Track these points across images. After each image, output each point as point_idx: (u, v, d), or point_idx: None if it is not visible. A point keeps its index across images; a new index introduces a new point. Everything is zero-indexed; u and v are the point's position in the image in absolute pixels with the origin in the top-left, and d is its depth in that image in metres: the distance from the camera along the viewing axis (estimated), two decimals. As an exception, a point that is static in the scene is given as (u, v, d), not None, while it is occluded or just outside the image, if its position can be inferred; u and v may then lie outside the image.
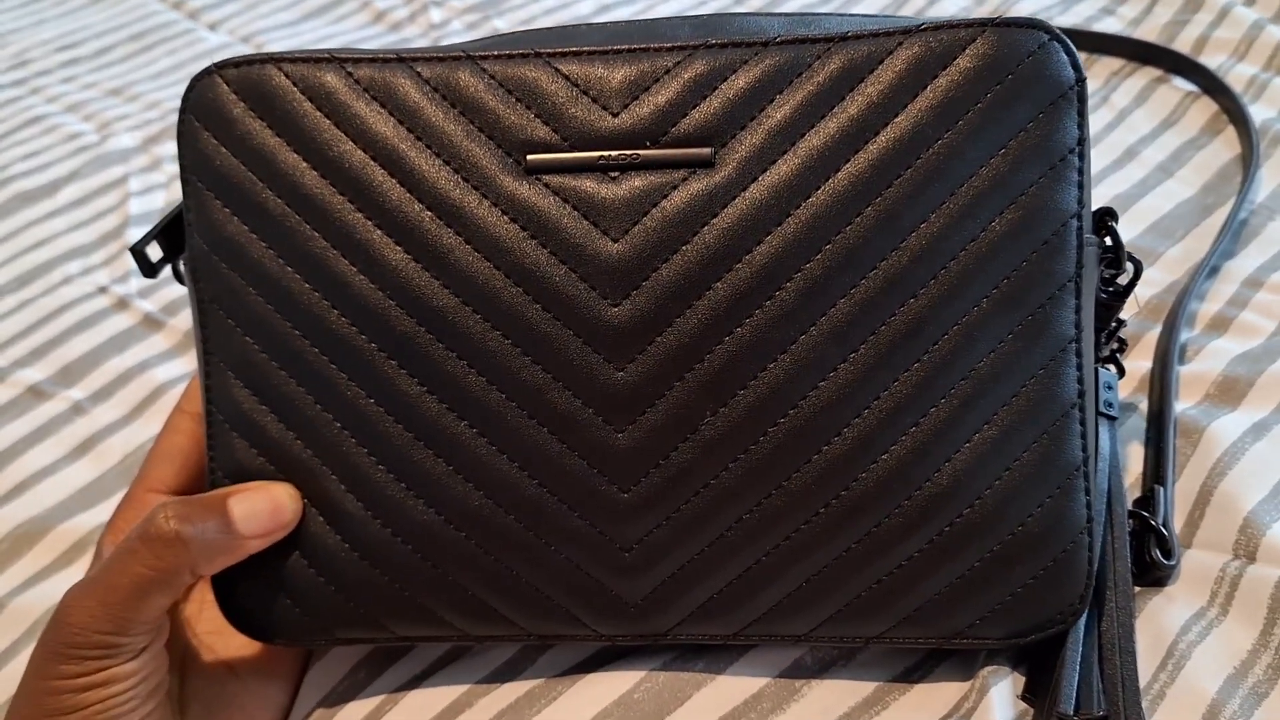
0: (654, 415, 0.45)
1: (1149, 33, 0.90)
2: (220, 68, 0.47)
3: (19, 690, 0.45)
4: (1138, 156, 0.77)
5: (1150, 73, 0.86)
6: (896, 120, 0.44)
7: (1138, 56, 0.87)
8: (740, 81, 0.45)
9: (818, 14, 0.47)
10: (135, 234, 0.85)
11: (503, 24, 1.07)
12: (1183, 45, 0.87)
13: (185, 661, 0.51)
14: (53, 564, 0.64)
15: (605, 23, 0.49)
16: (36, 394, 0.74)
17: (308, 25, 1.11)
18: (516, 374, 0.46)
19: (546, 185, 0.45)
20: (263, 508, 0.46)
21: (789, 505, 0.46)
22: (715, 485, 0.46)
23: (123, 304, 0.79)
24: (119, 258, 0.83)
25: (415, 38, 1.07)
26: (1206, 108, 0.81)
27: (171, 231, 0.50)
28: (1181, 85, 0.84)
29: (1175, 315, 0.63)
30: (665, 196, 0.45)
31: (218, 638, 0.52)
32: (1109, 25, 0.92)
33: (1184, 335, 0.63)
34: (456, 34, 1.06)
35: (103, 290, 0.81)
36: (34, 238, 0.86)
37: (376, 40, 1.07)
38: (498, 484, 0.47)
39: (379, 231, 0.46)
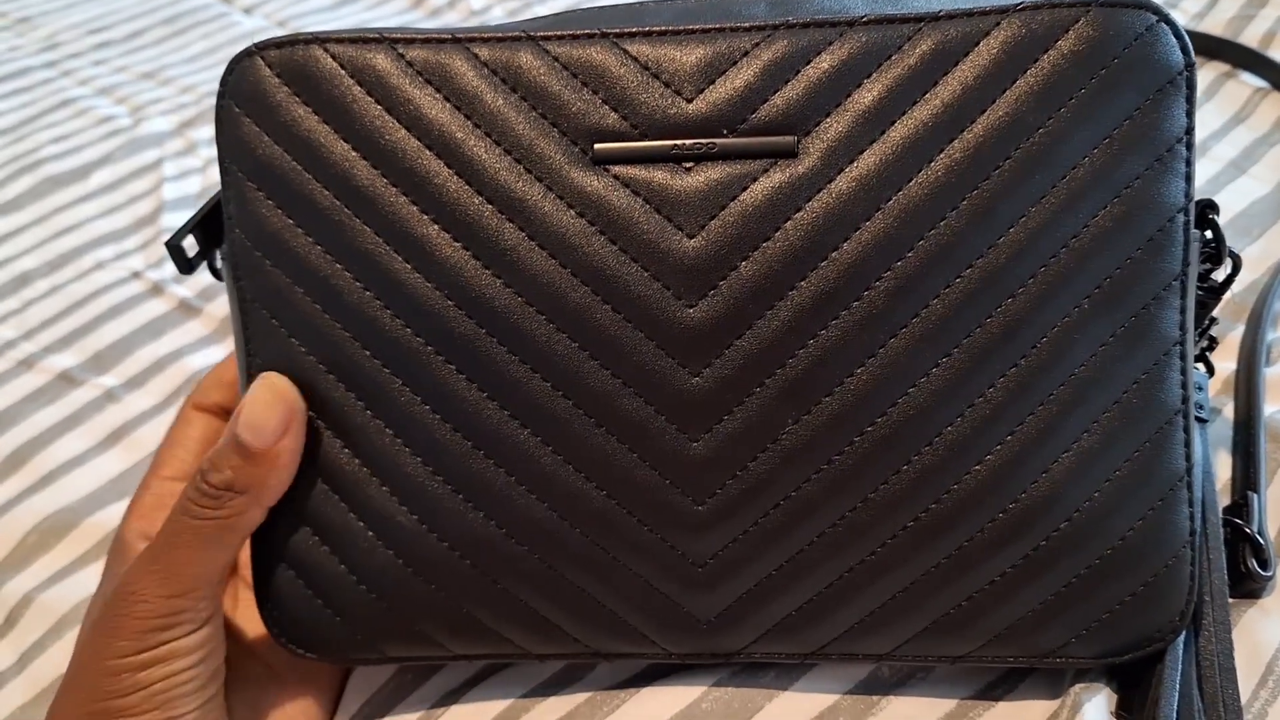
0: (731, 423, 0.39)
1: (1214, 27, 0.83)
2: (262, 48, 0.41)
3: (66, 682, 0.41)
4: (1209, 153, 0.71)
5: (1218, 67, 0.79)
6: (994, 107, 0.38)
7: (1204, 51, 0.80)
8: (824, 64, 0.38)
9: (904, -12, 0.41)
10: (170, 219, 0.78)
11: (544, 11, 0.99)
12: (1250, 40, 0.80)
13: (229, 664, 0.45)
14: (81, 558, 0.58)
15: (672, 1, 0.42)
16: (67, 380, 0.67)
17: (346, 10, 1.04)
18: (584, 379, 0.39)
19: (616, 177, 0.39)
20: (262, 415, 0.40)
21: (874, 520, 0.40)
22: (796, 498, 0.40)
23: (157, 290, 0.73)
24: (153, 243, 0.77)
25: (455, 23, 0.99)
26: (1277, 103, 0.74)
27: (208, 224, 0.44)
28: (1250, 81, 0.77)
29: (1259, 315, 0.57)
30: (744, 189, 0.38)
31: (259, 641, 0.47)
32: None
33: (1269, 335, 0.57)
34: (497, 20, 0.98)
35: (136, 275, 0.74)
36: (65, 222, 0.80)
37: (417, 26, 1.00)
38: (563, 496, 0.41)
39: (435, 226, 0.39)
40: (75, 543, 0.58)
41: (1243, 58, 0.78)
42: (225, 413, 0.48)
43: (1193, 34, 0.80)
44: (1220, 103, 0.75)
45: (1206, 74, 0.78)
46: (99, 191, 0.82)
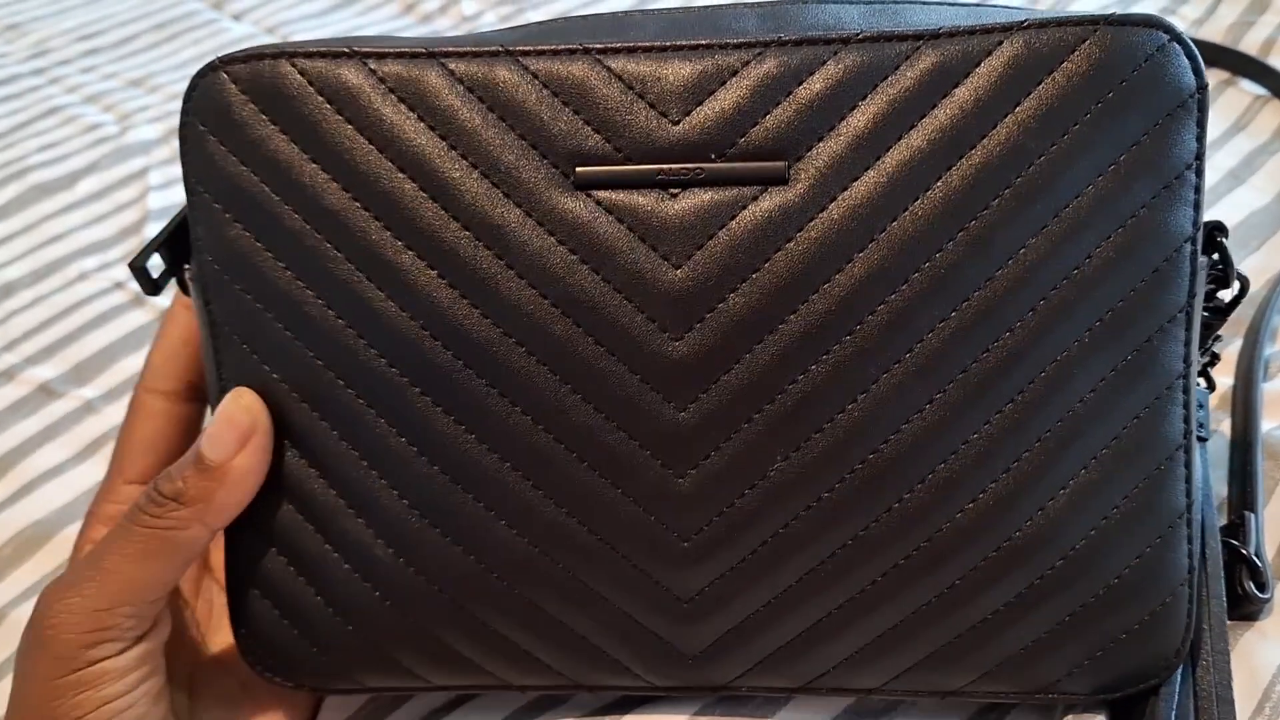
0: (718, 460, 0.37)
1: (1213, 34, 0.81)
2: (227, 62, 0.38)
3: (12, 704, 0.39)
4: (1208, 162, 0.69)
5: (1217, 75, 0.77)
6: (994, 132, 0.36)
7: (1203, 58, 0.78)
8: (817, 85, 0.36)
9: (903, 2, 0.39)
10: (154, 229, 0.77)
11: (538, 17, 0.97)
12: (1249, 47, 0.79)
13: (195, 680, 0.44)
14: (57, 570, 0.56)
15: (660, 10, 0.40)
16: (47, 392, 0.66)
17: (336, 16, 1.02)
18: (566, 414, 0.38)
19: (598, 202, 0.37)
20: (222, 429, 0.39)
21: (865, 557, 0.38)
22: (784, 535, 0.38)
23: (139, 300, 0.71)
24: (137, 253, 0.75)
25: (446, 30, 0.98)
26: (1277, 111, 0.73)
27: (175, 241, 0.41)
28: (1249, 88, 0.75)
29: (1257, 329, 0.55)
30: (733, 217, 0.36)
31: (231, 656, 0.45)
32: None
33: (1267, 350, 0.55)
34: (489, 27, 0.97)
35: (119, 286, 0.73)
36: (51, 231, 0.78)
37: (405, 34, 0.98)
38: (544, 531, 0.39)
39: (410, 253, 0.38)
40: (51, 555, 0.57)
41: (1242, 65, 0.77)
42: (178, 397, 0.45)
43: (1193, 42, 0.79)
44: (1220, 111, 0.74)
45: (1205, 82, 0.77)
46: (85, 200, 0.81)
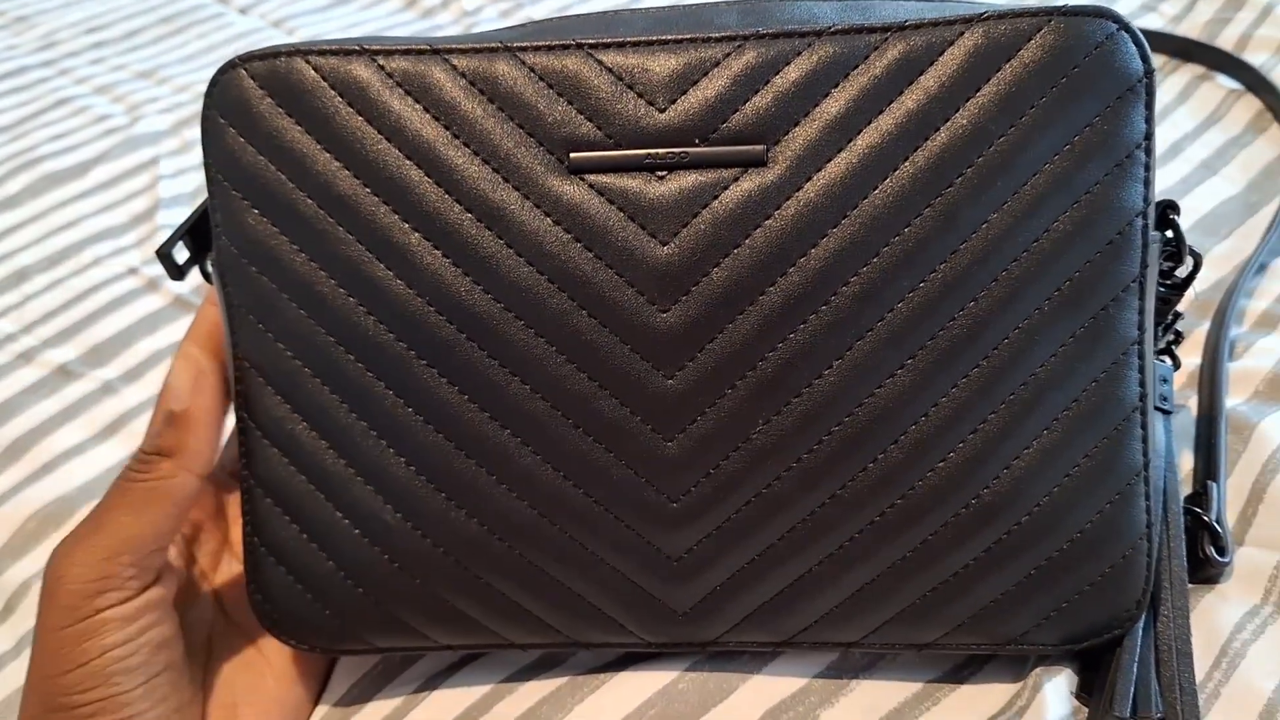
0: (704, 424, 0.40)
1: (1191, 30, 0.83)
2: (245, 60, 0.41)
3: (28, 670, 0.41)
4: (1181, 154, 0.71)
5: (1193, 70, 0.79)
6: (957, 116, 0.39)
7: (1180, 53, 0.81)
8: (793, 74, 0.39)
9: (872, -1, 0.41)
10: (165, 216, 0.79)
11: (538, 12, 0.99)
12: (1225, 43, 0.81)
13: (213, 643, 0.47)
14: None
15: (648, 8, 0.42)
16: (65, 374, 0.68)
17: (339, 11, 1.04)
18: (562, 382, 0.40)
19: (591, 185, 0.39)
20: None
21: (842, 515, 0.41)
22: (767, 495, 0.41)
23: (153, 285, 0.73)
24: (150, 240, 0.77)
25: (448, 25, 0.99)
26: (1250, 105, 0.75)
27: (198, 230, 0.44)
28: (1225, 83, 0.77)
29: (1224, 312, 0.58)
30: (715, 197, 0.39)
31: (248, 621, 0.47)
32: (1150, 21, 0.85)
33: (1233, 332, 0.58)
34: (489, 21, 0.99)
35: (133, 271, 0.74)
36: (63, 219, 0.80)
37: (408, 28, 1.00)
38: (543, 494, 0.41)
39: (417, 235, 0.40)
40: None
41: (1218, 60, 0.79)
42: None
43: (1169, 37, 0.81)
44: (1194, 105, 0.76)
45: (1182, 76, 0.79)
46: (96, 189, 0.82)
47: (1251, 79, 0.76)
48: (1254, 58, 0.78)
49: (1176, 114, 0.75)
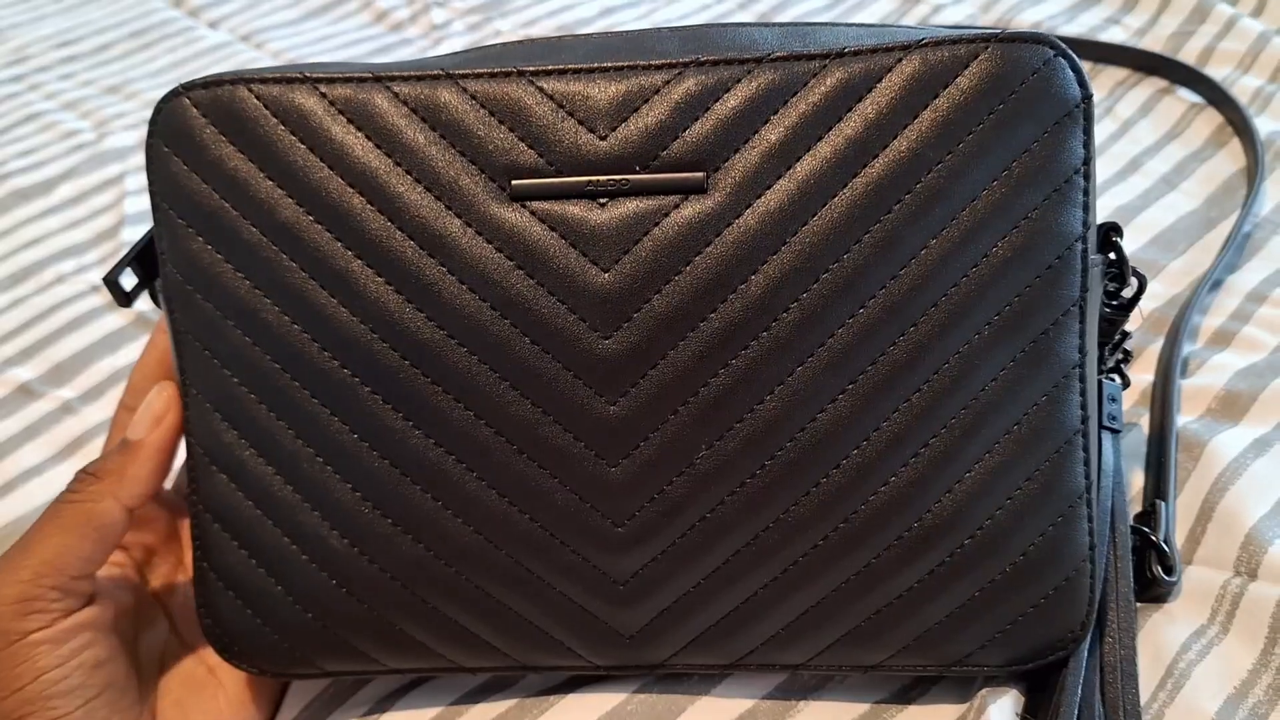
0: (648, 449, 0.40)
1: (1154, 43, 0.83)
2: (188, 89, 0.41)
3: None
4: (1141, 168, 0.72)
5: (1155, 84, 0.80)
6: (895, 142, 0.39)
7: (1143, 67, 0.81)
8: (732, 101, 0.39)
9: (814, 24, 0.41)
10: (131, 233, 0.78)
11: (505, 25, 0.99)
12: (1188, 56, 0.81)
13: (165, 664, 0.47)
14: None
15: (591, 34, 0.42)
16: (26, 393, 0.68)
17: (309, 24, 1.03)
18: (505, 409, 0.40)
19: (533, 212, 0.39)
20: (143, 413, 0.44)
21: (786, 538, 0.41)
22: (711, 519, 0.41)
23: (115, 304, 0.72)
24: (114, 256, 0.77)
25: (416, 38, 0.99)
26: (1211, 120, 0.75)
27: (146, 256, 0.44)
28: (1187, 97, 0.78)
29: (1178, 329, 0.58)
30: (656, 224, 0.39)
31: (200, 644, 0.48)
32: (1114, 35, 0.85)
33: (1186, 349, 0.58)
34: (458, 35, 0.99)
35: (96, 289, 0.74)
36: (28, 235, 0.80)
37: (377, 42, 1.00)
38: (488, 520, 0.41)
39: (359, 262, 0.40)
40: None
41: (1179, 74, 0.79)
42: None
43: (1132, 51, 0.81)
44: (1156, 119, 0.76)
45: (1143, 90, 0.79)
46: (62, 205, 0.82)
47: (1213, 93, 0.76)
48: (1216, 72, 0.79)
49: (1137, 128, 0.76)
